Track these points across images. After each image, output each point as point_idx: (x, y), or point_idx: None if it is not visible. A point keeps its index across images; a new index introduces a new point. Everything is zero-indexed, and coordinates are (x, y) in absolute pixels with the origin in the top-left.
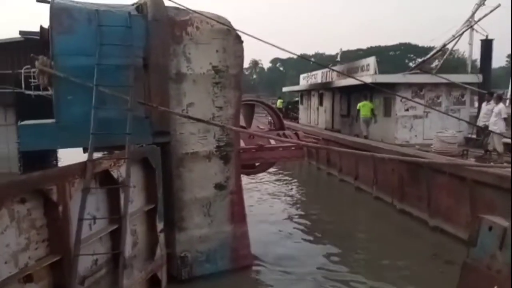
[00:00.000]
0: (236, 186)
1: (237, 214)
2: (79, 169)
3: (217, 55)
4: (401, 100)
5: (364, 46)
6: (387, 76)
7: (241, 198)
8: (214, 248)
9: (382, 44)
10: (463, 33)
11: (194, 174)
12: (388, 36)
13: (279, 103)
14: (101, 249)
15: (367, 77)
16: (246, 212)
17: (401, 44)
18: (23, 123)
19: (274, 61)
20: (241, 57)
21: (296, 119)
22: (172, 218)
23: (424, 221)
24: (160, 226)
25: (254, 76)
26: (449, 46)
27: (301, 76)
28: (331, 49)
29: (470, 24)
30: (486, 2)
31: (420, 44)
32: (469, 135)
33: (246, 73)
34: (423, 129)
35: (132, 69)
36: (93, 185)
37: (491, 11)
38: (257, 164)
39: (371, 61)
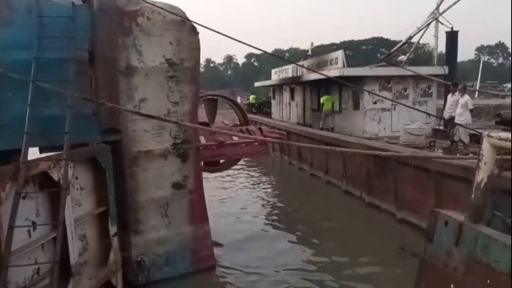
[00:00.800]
0: (195, 185)
1: (197, 214)
2: (11, 171)
3: (170, 47)
4: (368, 94)
5: (337, 41)
6: (354, 69)
7: (201, 197)
8: (173, 251)
9: (356, 38)
10: (428, 25)
11: (149, 173)
12: (363, 32)
13: (251, 98)
14: (43, 257)
15: (335, 71)
16: (207, 211)
17: (373, 39)
18: None
19: (249, 56)
20: (196, 49)
21: (269, 114)
22: (127, 221)
23: (392, 214)
24: (113, 229)
25: (229, 72)
26: (416, 39)
27: (273, 70)
28: (305, 44)
29: (434, 17)
30: None
31: (392, 38)
32: (437, 127)
33: (221, 68)
34: (391, 122)
35: (74, 63)
36: (31, 188)
37: (455, 3)
38: (221, 161)
39: (339, 54)
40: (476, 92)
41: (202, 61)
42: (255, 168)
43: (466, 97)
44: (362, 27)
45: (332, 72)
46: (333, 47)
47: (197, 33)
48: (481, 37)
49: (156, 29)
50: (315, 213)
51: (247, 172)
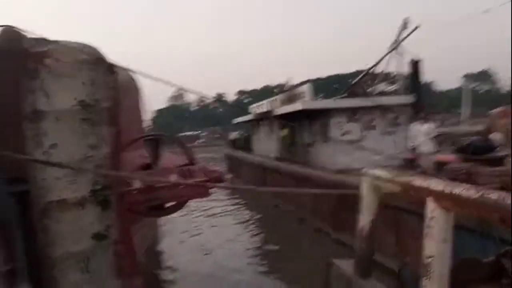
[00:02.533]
0: (121, 235)
1: (126, 266)
2: None
3: (83, 88)
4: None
5: (325, 75)
6: (317, 102)
7: (129, 248)
8: None
9: (342, 72)
10: (385, 55)
11: (64, 225)
12: (354, 65)
13: (235, 134)
14: None
15: (299, 104)
16: (137, 263)
17: (358, 72)
18: None
19: (240, 93)
20: (114, 88)
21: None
22: (41, 279)
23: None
24: None
25: (220, 109)
26: (384, 69)
27: (251, 106)
28: (295, 79)
29: (396, 47)
30: (412, 25)
31: (377, 71)
32: (409, 157)
33: (211, 107)
34: (361, 154)
35: None
36: None
37: (410, 33)
38: (167, 205)
39: (306, 88)
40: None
41: (193, 100)
42: (231, 204)
43: (428, 125)
44: (351, 60)
45: (297, 105)
46: (319, 82)
47: (113, 72)
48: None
49: (67, 70)
50: (282, 254)
51: (224, 206)
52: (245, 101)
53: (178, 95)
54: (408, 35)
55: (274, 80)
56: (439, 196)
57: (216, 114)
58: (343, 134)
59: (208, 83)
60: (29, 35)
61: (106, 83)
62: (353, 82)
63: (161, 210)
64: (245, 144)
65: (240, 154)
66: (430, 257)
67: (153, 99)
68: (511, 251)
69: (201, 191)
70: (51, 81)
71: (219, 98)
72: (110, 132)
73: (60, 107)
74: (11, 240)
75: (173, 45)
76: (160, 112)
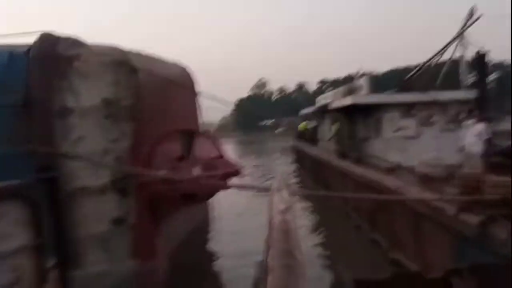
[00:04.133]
0: (139, 220)
1: (142, 250)
2: None
3: (107, 88)
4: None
5: (415, 63)
6: (369, 96)
7: (147, 232)
8: (115, 285)
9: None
10: (447, 46)
11: (87, 209)
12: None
13: (302, 125)
14: None
15: (349, 98)
16: (157, 246)
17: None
18: None
19: (321, 82)
20: (135, 87)
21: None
22: (66, 255)
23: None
24: (50, 262)
25: (300, 99)
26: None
27: (318, 97)
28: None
29: (460, 38)
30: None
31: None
32: None
33: (292, 96)
34: (416, 151)
35: (9, 108)
36: None
37: (474, 22)
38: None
39: (364, 82)
40: None
41: (275, 89)
42: None
43: (481, 125)
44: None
45: (347, 99)
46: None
47: (135, 72)
48: None
49: (93, 71)
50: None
51: None
52: (327, 90)
53: (261, 84)
54: (472, 23)
55: (355, 69)
56: (278, 213)
57: (296, 104)
58: (396, 130)
59: (288, 72)
60: (66, 40)
61: (128, 83)
62: (408, 76)
63: (192, 199)
64: (311, 135)
65: (302, 145)
66: None
67: (237, 88)
68: (469, 269)
69: (221, 184)
70: (78, 81)
71: (300, 88)
72: (131, 128)
73: (86, 105)
74: (40, 219)
75: (259, 33)
76: (242, 101)
